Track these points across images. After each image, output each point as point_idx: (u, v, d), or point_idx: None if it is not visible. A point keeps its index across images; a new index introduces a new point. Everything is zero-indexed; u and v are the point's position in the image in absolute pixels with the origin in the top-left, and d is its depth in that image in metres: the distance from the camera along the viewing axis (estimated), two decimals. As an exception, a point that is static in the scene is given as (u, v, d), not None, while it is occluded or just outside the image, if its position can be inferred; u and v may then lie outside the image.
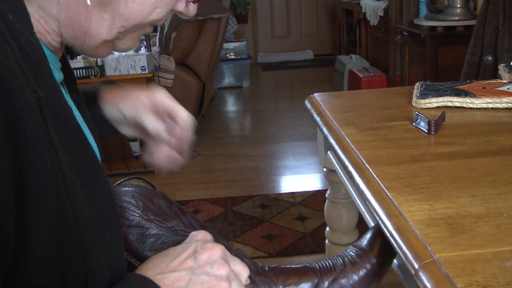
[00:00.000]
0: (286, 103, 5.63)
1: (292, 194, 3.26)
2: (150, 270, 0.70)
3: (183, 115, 0.88)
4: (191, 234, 0.76)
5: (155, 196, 0.85)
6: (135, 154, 3.74)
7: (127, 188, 0.83)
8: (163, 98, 0.89)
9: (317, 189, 3.35)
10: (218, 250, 0.72)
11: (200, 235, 0.75)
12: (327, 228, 1.64)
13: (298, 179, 3.57)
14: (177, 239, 0.84)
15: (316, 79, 6.58)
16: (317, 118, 1.36)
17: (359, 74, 4.59)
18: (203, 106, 4.44)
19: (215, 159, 3.96)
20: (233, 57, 6.14)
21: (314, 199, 3.18)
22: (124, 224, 0.83)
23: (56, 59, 0.74)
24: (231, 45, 6.15)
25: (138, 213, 0.83)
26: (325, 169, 1.56)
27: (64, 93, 0.78)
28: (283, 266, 0.89)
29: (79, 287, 0.64)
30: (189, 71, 4.09)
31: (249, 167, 3.78)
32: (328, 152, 1.44)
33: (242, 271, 0.74)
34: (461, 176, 0.94)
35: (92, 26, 0.69)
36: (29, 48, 0.62)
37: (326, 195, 1.60)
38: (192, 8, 0.75)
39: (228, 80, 6.30)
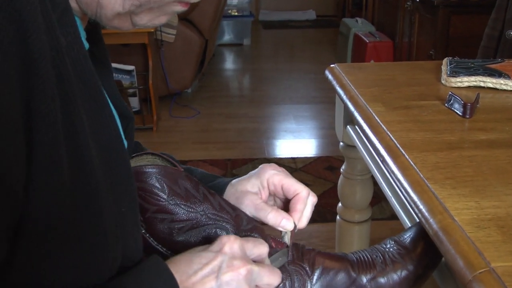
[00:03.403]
0: (287, 64, 5.51)
1: (293, 159, 3.20)
2: None
3: (304, 193, 0.84)
4: (220, 238, 0.71)
5: (179, 177, 0.78)
6: (133, 110, 3.65)
7: (149, 170, 0.75)
8: (276, 179, 0.85)
9: (319, 155, 3.28)
10: (243, 271, 0.68)
11: (228, 246, 0.70)
12: (339, 204, 1.57)
13: (299, 143, 3.50)
14: (209, 224, 0.77)
15: (318, 40, 6.45)
16: (341, 91, 1.28)
17: (365, 39, 4.48)
18: (205, 63, 4.34)
19: (214, 119, 3.88)
20: (235, 13, 5.99)
21: (315, 165, 3.12)
22: (149, 210, 0.75)
23: (81, 26, 0.66)
24: (234, 1, 6.00)
25: (164, 198, 0.75)
26: (341, 143, 1.48)
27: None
28: (319, 250, 0.83)
29: (91, 259, 0.60)
30: (192, 27, 3.97)
31: (249, 128, 3.71)
32: (348, 126, 1.37)
33: (273, 281, 0.71)
34: (506, 170, 0.87)
35: None
36: None
37: (341, 170, 1.53)
38: None
39: (228, 37, 6.16)
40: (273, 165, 0.87)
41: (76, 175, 0.56)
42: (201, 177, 0.92)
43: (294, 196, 0.84)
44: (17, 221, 0.53)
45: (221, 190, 0.88)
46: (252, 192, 0.85)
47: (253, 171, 0.88)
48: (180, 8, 0.67)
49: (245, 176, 0.89)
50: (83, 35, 0.67)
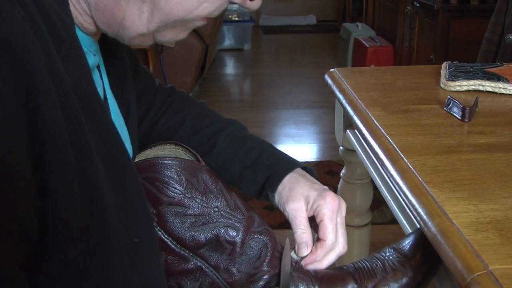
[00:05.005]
0: (287, 69, 5.52)
1: (294, 164, 3.19)
2: None
3: (328, 243, 0.86)
4: None
5: (199, 171, 0.78)
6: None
7: (169, 162, 0.76)
8: (320, 215, 0.86)
9: (319, 159, 3.29)
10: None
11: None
12: (339, 208, 1.57)
13: (300, 148, 3.51)
14: (221, 221, 0.77)
15: (318, 45, 6.46)
16: (340, 96, 1.29)
17: (365, 44, 4.48)
18: (205, 68, 4.34)
19: (215, 124, 3.87)
20: (236, 19, 6.00)
21: (316, 170, 3.11)
22: (164, 202, 0.76)
23: (93, 42, 0.66)
24: (234, 6, 5.99)
25: (181, 191, 0.76)
26: (341, 148, 1.49)
27: (99, 77, 0.70)
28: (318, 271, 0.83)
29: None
30: (192, 32, 3.97)
31: (250, 133, 3.70)
32: (347, 131, 1.37)
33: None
34: (504, 173, 0.87)
35: (126, 16, 0.61)
36: (62, 26, 0.54)
37: (341, 174, 1.53)
38: (253, 3, 0.66)
39: (229, 42, 6.17)
40: (335, 200, 0.89)
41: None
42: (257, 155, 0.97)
43: (320, 240, 0.85)
44: (32, 254, 0.50)
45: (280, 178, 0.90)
46: (302, 210, 0.87)
47: (318, 186, 0.91)
48: (200, 23, 0.67)
49: (310, 181, 0.92)
50: (94, 49, 0.67)
